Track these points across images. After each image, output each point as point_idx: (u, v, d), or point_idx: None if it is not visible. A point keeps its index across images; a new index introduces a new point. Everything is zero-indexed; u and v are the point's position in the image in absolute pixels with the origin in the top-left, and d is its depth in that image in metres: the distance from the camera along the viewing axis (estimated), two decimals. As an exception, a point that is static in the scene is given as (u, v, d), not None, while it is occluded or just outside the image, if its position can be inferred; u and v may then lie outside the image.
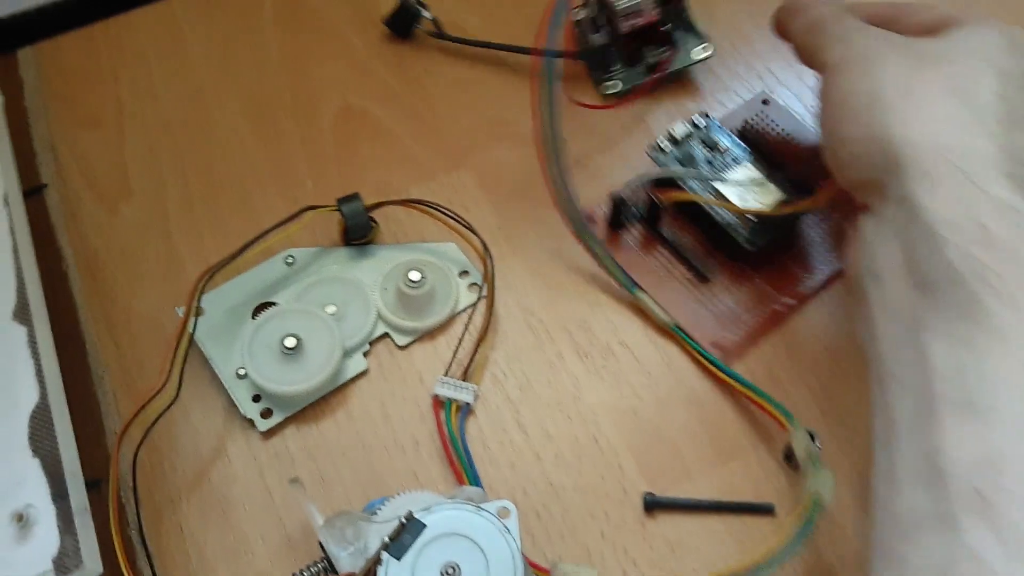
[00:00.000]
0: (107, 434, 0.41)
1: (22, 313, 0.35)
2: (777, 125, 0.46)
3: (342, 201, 0.44)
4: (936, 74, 0.34)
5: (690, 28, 0.49)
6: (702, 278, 0.43)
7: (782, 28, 0.41)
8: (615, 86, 0.49)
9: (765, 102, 0.48)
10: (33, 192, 0.44)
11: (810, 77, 0.49)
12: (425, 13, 0.50)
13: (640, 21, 0.47)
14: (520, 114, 0.49)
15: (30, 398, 0.33)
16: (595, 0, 0.48)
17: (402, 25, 0.51)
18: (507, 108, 0.49)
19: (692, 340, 0.42)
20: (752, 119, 0.46)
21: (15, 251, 0.36)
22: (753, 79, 0.49)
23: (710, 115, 0.46)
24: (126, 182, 0.47)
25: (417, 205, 0.45)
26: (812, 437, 0.37)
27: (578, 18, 0.50)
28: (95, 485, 0.37)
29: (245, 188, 0.47)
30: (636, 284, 0.43)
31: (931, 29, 0.37)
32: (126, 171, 0.48)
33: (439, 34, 0.50)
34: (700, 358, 0.41)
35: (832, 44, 0.37)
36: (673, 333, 0.42)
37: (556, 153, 0.40)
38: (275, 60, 0.51)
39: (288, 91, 0.50)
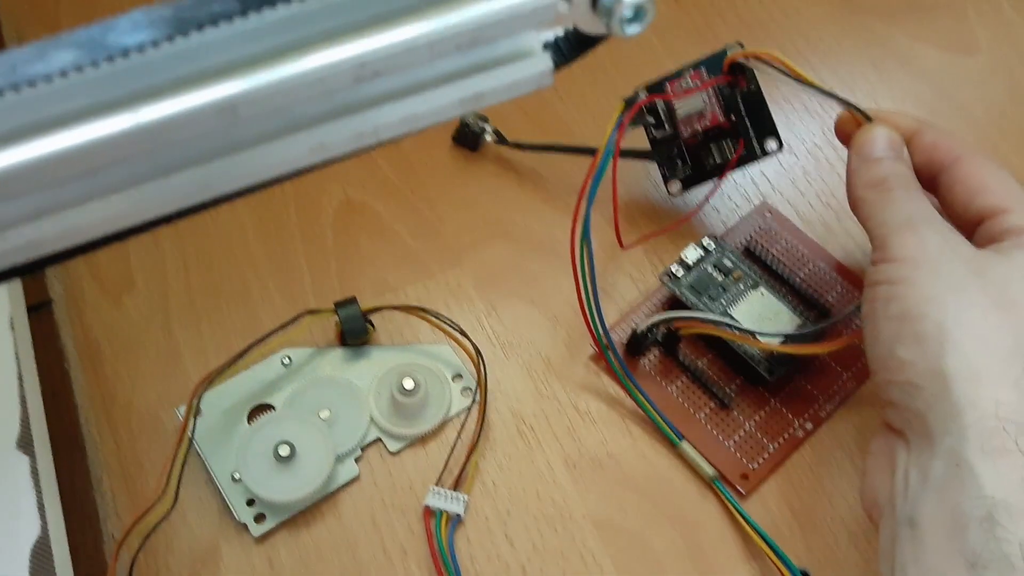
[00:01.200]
0: (105, 539, 0.42)
1: (25, 442, 0.36)
2: (781, 237, 0.47)
3: (340, 305, 0.45)
4: (1005, 325, 0.33)
5: (759, 114, 0.46)
6: (723, 406, 0.44)
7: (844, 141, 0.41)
8: (675, 187, 0.47)
9: (766, 212, 0.48)
10: (39, 307, 0.45)
11: (805, 183, 0.50)
12: (487, 127, 0.51)
13: (701, 126, 0.46)
14: (516, 212, 0.50)
15: (31, 532, 0.34)
16: (660, 104, 0.46)
17: (470, 140, 0.51)
18: (505, 206, 0.50)
19: (729, 495, 0.41)
20: (755, 233, 0.47)
21: (19, 377, 0.37)
22: (748, 184, 0.50)
23: (720, 238, 0.46)
24: (129, 273, 0.48)
25: (414, 311, 0.46)
26: None
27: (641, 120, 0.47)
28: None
29: (245, 281, 0.48)
30: (682, 435, 0.43)
31: (989, 231, 0.36)
32: (129, 261, 0.48)
33: (502, 142, 0.51)
34: (734, 511, 0.41)
35: (900, 230, 0.36)
36: (674, 448, 0.43)
37: (596, 306, 0.41)
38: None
39: (289, 183, 0.50)
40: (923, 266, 0.34)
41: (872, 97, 0.53)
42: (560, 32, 0.23)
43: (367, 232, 0.49)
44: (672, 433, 0.43)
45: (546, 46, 0.22)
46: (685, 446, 0.42)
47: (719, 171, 0.46)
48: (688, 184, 0.47)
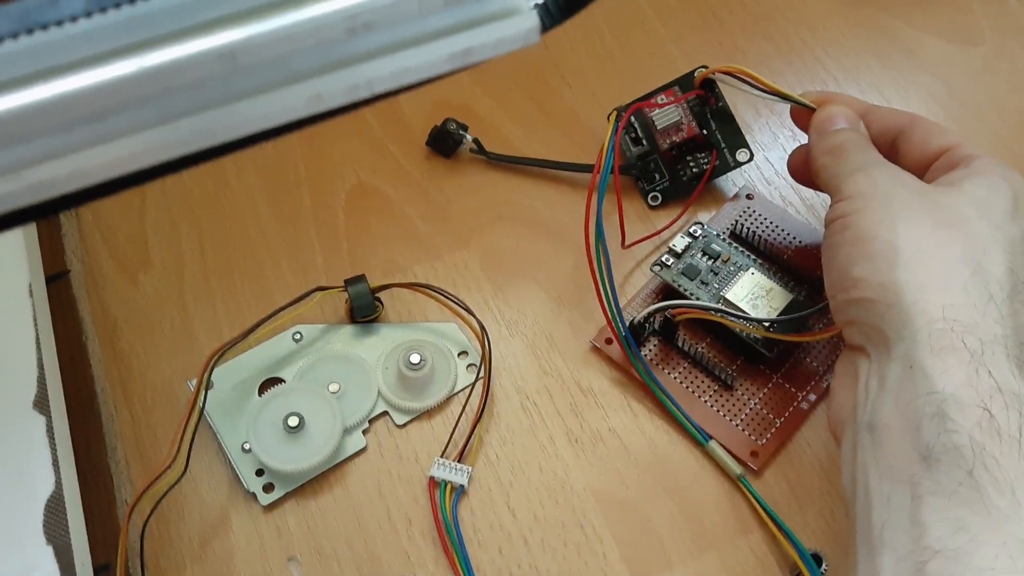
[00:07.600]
0: (118, 504, 0.43)
1: (41, 403, 0.37)
2: (766, 219, 0.47)
3: (349, 282, 0.46)
4: (953, 238, 0.35)
5: (729, 127, 0.49)
6: (726, 387, 0.45)
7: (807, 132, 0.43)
8: (655, 199, 0.50)
9: (749, 196, 0.49)
10: (57, 277, 0.46)
11: (784, 169, 0.51)
12: (467, 136, 0.51)
13: (678, 138, 0.48)
14: (522, 196, 0.51)
15: (46, 487, 0.36)
16: (637, 122, 0.49)
17: (445, 147, 0.52)
18: (513, 190, 0.51)
19: (755, 491, 0.42)
20: (741, 216, 0.48)
21: (37, 342, 0.39)
22: (733, 173, 0.51)
23: (705, 224, 0.47)
24: (146, 253, 0.49)
25: (421, 288, 0.47)
26: (819, 560, 0.39)
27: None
28: (103, 569, 0.39)
29: (259, 261, 0.49)
30: (709, 435, 0.43)
31: (942, 163, 0.39)
32: (147, 242, 0.50)
33: (481, 152, 0.51)
34: (759, 508, 0.42)
35: (852, 174, 0.38)
36: (671, 418, 0.44)
37: (615, 304, 0.43)
38: (293, 133, 0.53)
39: (304, 166, 0.52)
40: (874, 197, 0.37)
41: (876, 87, 0.54)
42: (549, -6, 0.24)
43: (378, 214, 0.51)
44: (697, 432, 0.43)
45: (535, 6, 0.23)
46: (713, 445, 0.43)
47: (696, 182, 0.49)
48: (667, 196, 0.50)
